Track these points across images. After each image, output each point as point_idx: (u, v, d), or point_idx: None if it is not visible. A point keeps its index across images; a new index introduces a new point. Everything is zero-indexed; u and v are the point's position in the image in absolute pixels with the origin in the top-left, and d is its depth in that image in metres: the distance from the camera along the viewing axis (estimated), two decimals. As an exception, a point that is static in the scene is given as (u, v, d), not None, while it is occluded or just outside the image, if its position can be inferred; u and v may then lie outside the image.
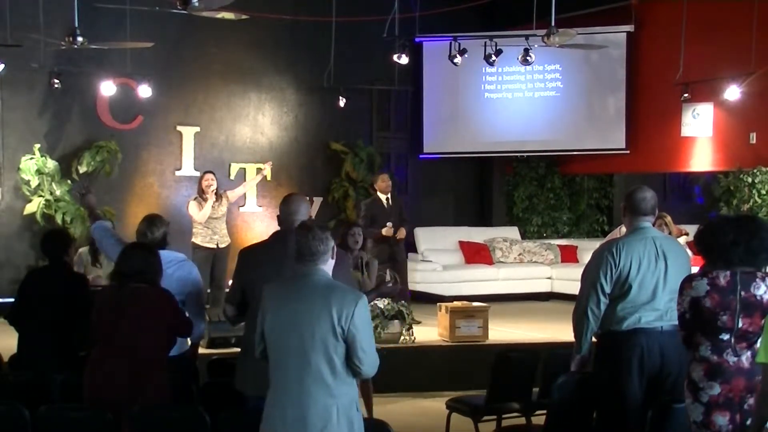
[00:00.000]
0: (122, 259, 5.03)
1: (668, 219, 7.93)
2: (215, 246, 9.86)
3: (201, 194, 9.93)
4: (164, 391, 4.93)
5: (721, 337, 4.10)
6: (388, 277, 7.42)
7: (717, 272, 4.12)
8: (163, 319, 4.94)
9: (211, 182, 9.90)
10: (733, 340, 4.10)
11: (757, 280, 4.11)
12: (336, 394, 3.85)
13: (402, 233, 10.18)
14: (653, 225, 7.52)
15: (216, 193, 9.92)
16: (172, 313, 5.00)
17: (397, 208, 10.45)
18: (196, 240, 9.88)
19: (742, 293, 4.08)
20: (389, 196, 10.41)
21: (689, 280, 4.19)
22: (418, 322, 9.39)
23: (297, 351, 3.86)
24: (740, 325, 4.08)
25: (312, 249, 3.94)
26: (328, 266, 4.00)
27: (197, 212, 9.82)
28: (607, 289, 4.83)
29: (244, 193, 12.00)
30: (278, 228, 4.94)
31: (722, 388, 4.07)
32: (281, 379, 3.92)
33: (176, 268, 5.40)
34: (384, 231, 10.06)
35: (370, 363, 3.90)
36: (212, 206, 9.82)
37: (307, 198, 5.25)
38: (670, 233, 7.61)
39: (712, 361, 4.10)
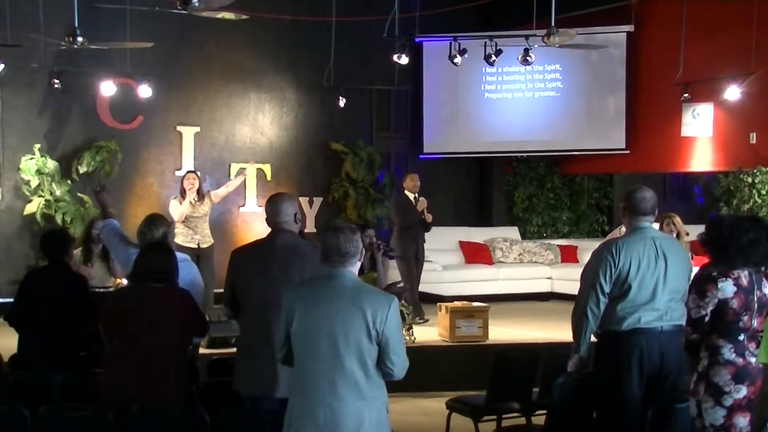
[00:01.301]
0: (140, 260, 5.04)
1: (676, 219, 7.78)
2: (197, 246, 9.80)
3: (182, 194, 9.94)
4: (182, 390, 4.94)
5: (738, 338, 4.10)
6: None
7: (737, 272, 4.10)
8: (181, 319, 4.95)
9: (192, 182, 9.90)
10: (746, 340, 4.10)
11: (764, 279, 4.12)
12: (368, 397, 3.80)
13: (430, 216, 10.30)
14: (660, 226, 7.55)
15: (199, 193, 9.92)
16: (189, 313, 5.01)
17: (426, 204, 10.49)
18: (178, 240, 9.76)
19: (758, 293, 4.09)
20: (416, 195, 10.41)
21: (711, 281, 4.14)
22: (426, 320, 9.42)
23: (329, 354, 3.78)
24: (755, 325, 4.08)
25: (342, 250, 3.86)
26: (355, 268, 3.94)
27: (175, 211, 9.81)
28: (607, 289, 4.82)
29: (244, 192, 12.02)
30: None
31: (748, 390, 4.07)
32: (310, 384, 3.82)
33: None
34: (419, 205, 10.23)
35: (401, 366, 3.86)
36: (193, 206, 9.81)
37: (292, 196, 5.21)
38: (678, 234, 7.52)
39: (739, 364, 4.09)
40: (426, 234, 10.53)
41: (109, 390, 4.86)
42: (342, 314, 3.79)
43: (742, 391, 4.07)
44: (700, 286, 4.17)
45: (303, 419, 3.82)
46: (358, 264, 3.96)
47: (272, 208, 4.88)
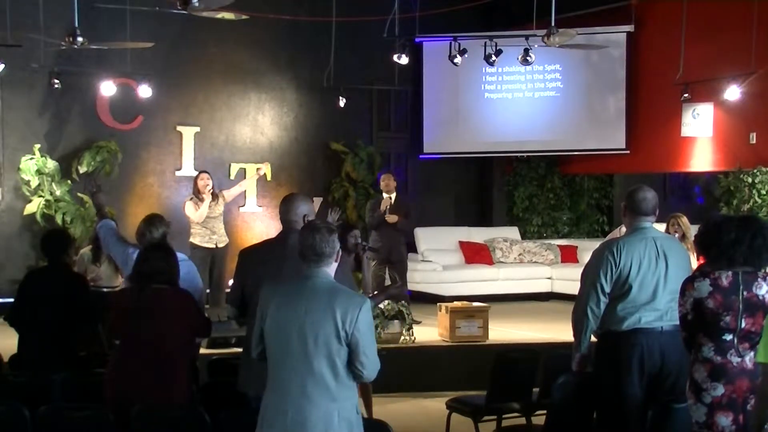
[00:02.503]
0: (142, 261, 5.04)
1: (682, 220, 7.64)
2: (214, 246, 9.85)
3: (197, 194, 9.93)
4: (188, 391, 4.95)
5: (723, 337, 4.10)
6: (391, 279, 7.39)
7: (719, 273, 4.11)
8: (186, 320, 4.96)
9: (207, 182, 9.90)
10: (735, 340, 4.10)
11: (759, 279, 4.12)
12: (338, 398, 3.81)
13: (391, 218, 10.20)
14: (666, 227, 7.53)
15: (212, 193, 9.92)
16: (193, 314, 5.01)
17: (398, 204, 10.40)
18: (195, 240, 9.85)
19: (745, 293, 4.08)
20: (394, 195, 10.38)
21: (691, 280, 4.18)
22: (418, 322, 9.40)
23: (299, 354, 3.80)
24: (743, 325, 4.08)
25: (317, 250, 3.88)
26: (331, 269, 3.95)
27: (194, 212, 9.80)
28: (607, 288, 4.82)
29: (244, 192, 12.01)
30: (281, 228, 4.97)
31: (726, 389, 4.07)
32: (281, 382, 3.86)
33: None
34: (381, 208, 10.20)
35: (371, 367, 3.87)
36: (209, 206, 9.83)
37: (309, 198, 5.24)
38: (684, 235, 7.47)
39: (716, 362, 4.09)
40: (427, 234, 10.50)
41: (114, 391, 4.86)
42: (313, 315, 3.80)
43: (719, 389, 4.07)
44: (682, 285, 4.23)
45: (275, 417, 3.84)
46: (335, 265, 3.96)
47: (284, 207, 4.91)
